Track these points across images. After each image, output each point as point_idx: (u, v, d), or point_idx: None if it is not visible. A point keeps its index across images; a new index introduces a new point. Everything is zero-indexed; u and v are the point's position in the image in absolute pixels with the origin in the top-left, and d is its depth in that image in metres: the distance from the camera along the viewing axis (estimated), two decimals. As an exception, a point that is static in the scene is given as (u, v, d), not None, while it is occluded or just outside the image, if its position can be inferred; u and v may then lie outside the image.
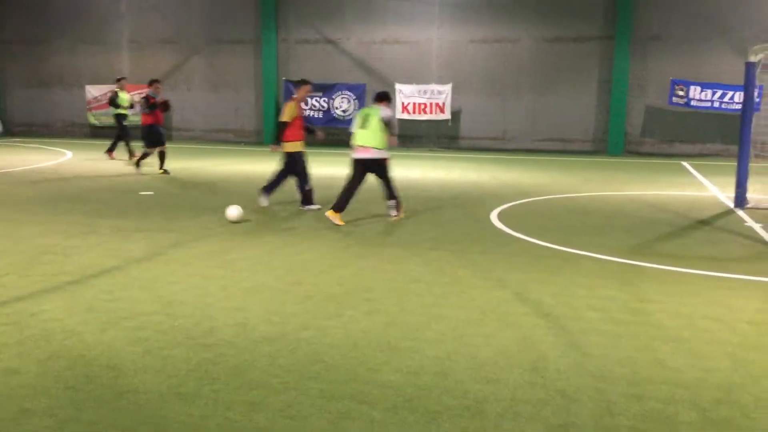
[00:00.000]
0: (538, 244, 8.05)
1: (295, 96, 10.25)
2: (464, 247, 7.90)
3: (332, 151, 19.54)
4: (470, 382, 4.15)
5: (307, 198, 10.24)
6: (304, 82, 10.33)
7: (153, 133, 14.03)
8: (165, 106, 14.11)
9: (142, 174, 14.07)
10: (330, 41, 22.93)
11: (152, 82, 14.31)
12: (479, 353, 4.61)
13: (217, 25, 23.99)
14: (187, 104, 23.90)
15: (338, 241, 8.08)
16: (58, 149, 20.09)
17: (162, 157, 14.23)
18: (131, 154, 16.23)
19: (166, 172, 14.19)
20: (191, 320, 5.19)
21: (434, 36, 22.10)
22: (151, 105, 13.87)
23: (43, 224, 8.82)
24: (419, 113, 21.93)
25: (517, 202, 11.39)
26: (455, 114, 21.99)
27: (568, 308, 5.58)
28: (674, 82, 20.15)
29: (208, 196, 11.57)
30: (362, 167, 9.24)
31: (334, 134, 21.54)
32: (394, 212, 9.52)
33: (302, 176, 10.20)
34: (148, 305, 5.52)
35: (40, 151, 19.53)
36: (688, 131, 20.79)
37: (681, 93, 20.13)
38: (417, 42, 22.26)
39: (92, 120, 25.15)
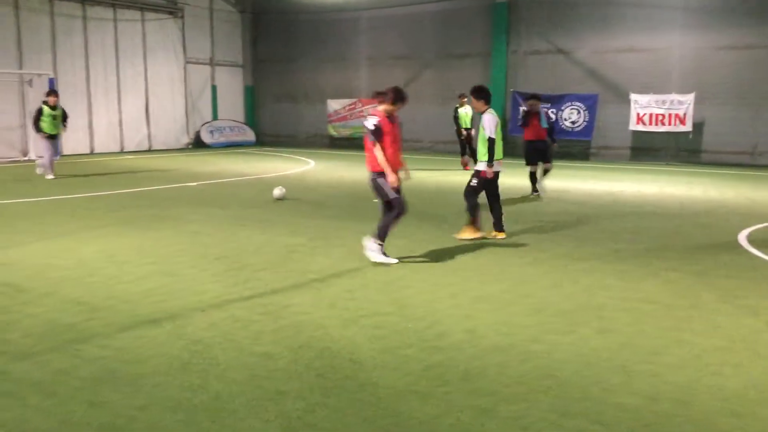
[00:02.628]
0: (796, 271, 7.22)
1: None
2: (708, 269, 7.32)
3: (560, 164, 19.06)
4: (716, 413, 3.86)
5: None
6: None
7: (528, 150, 13.23)
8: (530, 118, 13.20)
9: (544, 195, 13.12)
10: (561, 51, 22.50)
11: (530, 98, 13.59)
12: (726, 383, 4.26)
13: (447, 40, 24.68)
14: (417, 117, 24.80)
15: (566, 256, 7.91)
16: (302, 158, 21.96)
17: (544, 173, 13.24)
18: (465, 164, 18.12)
19: (537, 192, 13.18)
20: (423, 323, 5.40)
21: (676, 43, 20.72)
22: (524, 119, 13.31)
23: (291, 225, 9.70)
24: (656, 125, 20.68)
25: (771, 223, 10.29)
26: (697, 126, 20.40)
27: (835, 345, 4.95)
28: None
29: (434, 205, 11.90)
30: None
31: (562, 146, 20.98)
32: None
33: None
34: (383, 306, 5.85)
35: (287, 160, 21.48)
36: None
37: None
38: (656, 50, 21.03)
39: (332, 131, 27.13)
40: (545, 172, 13.28)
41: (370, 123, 7.36)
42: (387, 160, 7.31)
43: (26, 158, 20.88)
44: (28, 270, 7.01)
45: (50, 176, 15.32)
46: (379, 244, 7.44)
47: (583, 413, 3.84)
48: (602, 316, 5.64)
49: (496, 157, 8.66)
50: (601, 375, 4.39)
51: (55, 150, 15.53)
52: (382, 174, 7.37)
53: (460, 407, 3.91)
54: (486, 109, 8.71)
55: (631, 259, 7.81)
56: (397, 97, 7.37)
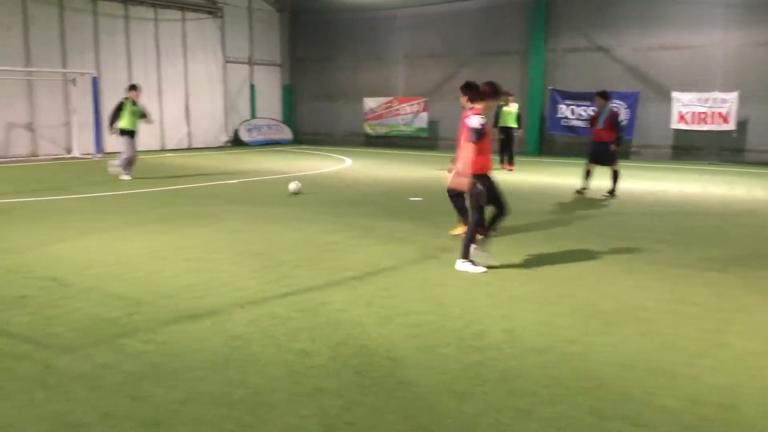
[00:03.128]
0: None
1: None
2: (751, 271, 7.16)
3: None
4: (760, 417, 3.78)
5: None
6: None
7: (590, 149, 13.11)
8: (595, 121, 12.95)
9: (585, 196, 12.92)
10: (601, 49, 22.20)
11: (599, 95, 13.12)
12: (772, 389, 4.17)
13: (485, 38, 24.52)
14: (455, 115, 24.68)
15: (606, 256, 7.81)
16: (338, 156, 22.05)
17: (613, 176, 12.84)
18: (508, 163, 17.89)
19: (611, 194, 12.84)
20: (460, 322, 5.39)
21: (719, 40, 20.29)
22: (590, 121, 13.25)
23: (328, 223, 9.75)
24: (698, 123, 20.28)
25: (818, 224, 10.01)
26: (741, 124, 19.94)
27: None
28: None
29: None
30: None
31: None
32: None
33: None
34: (420, 304, 5.85)
35: (324, 158, 21.60)
36: None
37: None
38: (698, 47, 20.62)
39: (368, 130, 27.18)
40: (613, 174, 12.82)
41: (476, 121, 6.79)
42: (478, 162, 6.90)
43: (70, 156, 21.36)
44: (71, 265, 7.18)
45: (126, 177, 14.70)
46: (470, 260, 7.02)
47: (622, 415, 3.80)
48: (642, 317, 5.56)
49: None
50: (641, 377, 4.33)
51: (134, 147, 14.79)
52: (478, 178, 6.92)
53: (498, 407, 3.89)
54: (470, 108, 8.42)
55: (673, 259, 7.68)
56: (496, 91, 6.93)
